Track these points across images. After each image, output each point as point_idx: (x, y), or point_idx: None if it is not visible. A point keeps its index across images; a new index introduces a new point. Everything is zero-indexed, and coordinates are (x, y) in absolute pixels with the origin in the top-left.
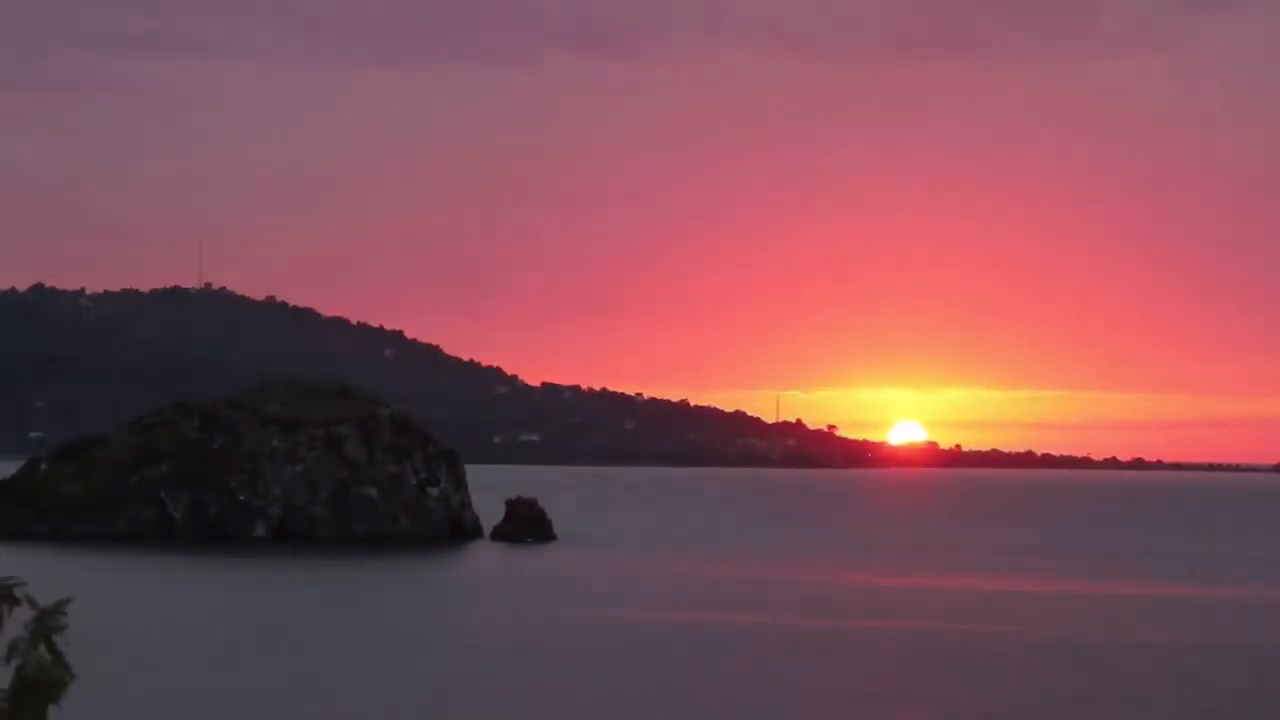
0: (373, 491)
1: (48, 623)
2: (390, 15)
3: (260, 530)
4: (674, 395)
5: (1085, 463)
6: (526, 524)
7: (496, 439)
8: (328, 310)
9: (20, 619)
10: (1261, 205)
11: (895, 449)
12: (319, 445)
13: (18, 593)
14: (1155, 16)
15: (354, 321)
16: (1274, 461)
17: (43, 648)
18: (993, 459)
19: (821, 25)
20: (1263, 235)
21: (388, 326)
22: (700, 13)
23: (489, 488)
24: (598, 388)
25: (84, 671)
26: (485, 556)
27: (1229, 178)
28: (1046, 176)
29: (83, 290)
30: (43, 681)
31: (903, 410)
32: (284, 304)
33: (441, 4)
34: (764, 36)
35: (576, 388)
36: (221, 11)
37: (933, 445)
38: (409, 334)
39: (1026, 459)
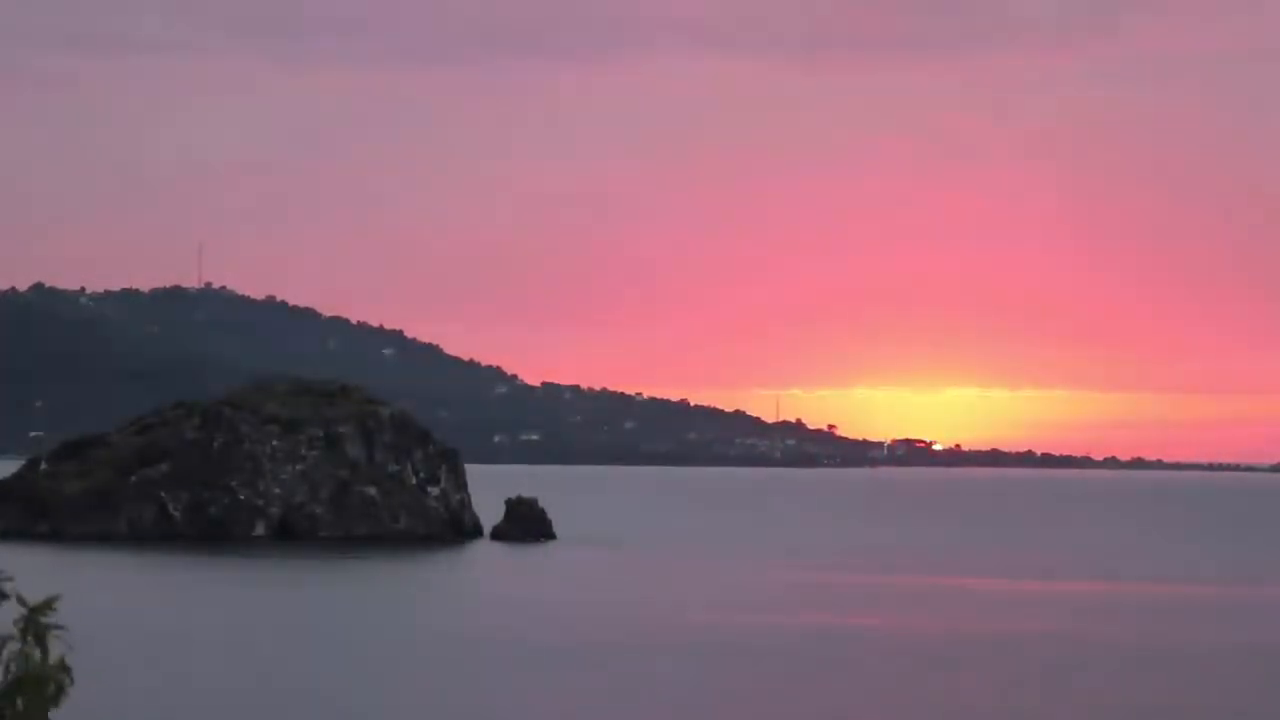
0: (373, 491)
1: (39, 620)
2: (392, 17)
3: (260, 530)
4: (674, 395)
5: (1085, 463)
6: (526, 524)
7: (496, 439)
8: (328, 310)
9: (10, 615)
10: (1262, 204)
11: (895, 448)
12: (319, 445)
13: (6, 588)
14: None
15: (354, 321)
16: (1274, 461)
17: (34, 646)
18: (993, 459)
19: (771, 27)
20: (1262, 234)
21: (388, 326)
22: (682, 24)
23: (489, 488)
24: (598, 388)
25: (83, 670)
26: (485, 556)
27: (1228, 178)
28: (1044, 175)
29: (83, 290)
30: (39, 682)
31: (903, 410)
32: (284, 304)
33: (445, 6)
34: (743, 44)
35: (576, 388)
36: (222, 13)
37: (933, 445)
38: (409, 334)
39: (1026, 459)
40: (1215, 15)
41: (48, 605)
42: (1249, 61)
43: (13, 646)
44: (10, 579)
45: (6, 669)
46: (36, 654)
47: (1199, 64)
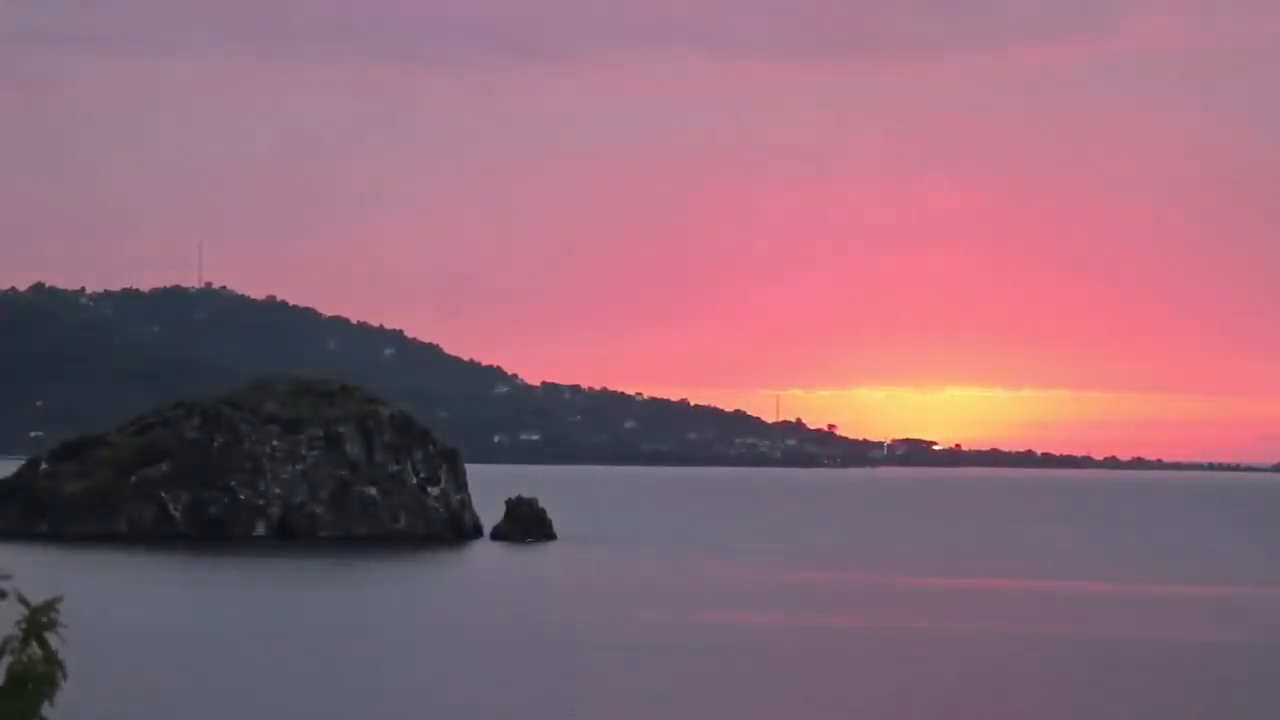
0: (373, 491)
1: (40, 620)
2: (391, 18)
3: (260, 530)
4: (674, 395)
5: (1085, 463)
6: (526, 524)
7: (497, 439)
8: (328, 310)
9: (12, 616)
10: (1262, 205)
11: (895, 448)
12: (319, 445)
13: (4, 587)
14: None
15: (354, 321)
16: (1274, 461)
17: (34, 645)
18: (993, 459)
19: (761, 29)
20: (1262, 235)
21: (388, 326)
22: (683, 24)
23: (489, 488)
24: (598, 388)
25: (84, 670)
26: (485, 556)
27: (1228, 178)
28: (1041, 176)
29: (83, 290)
30: (33, 678)
31: (903, 410)
32: (284, 304)
33: (444, 6)
34: (743, 44)
35: (576, 388)
36: (221, 13)
37: (933, 445)
38: (409, 334)
39: (1026, 459)
40: (1214, 15)
41: (50, 607)
42: (1248, 61)
43: (14, 646)
44: (8, 577)
45: (8, 669)
46: (37, 652)
47: (1199, 64)
